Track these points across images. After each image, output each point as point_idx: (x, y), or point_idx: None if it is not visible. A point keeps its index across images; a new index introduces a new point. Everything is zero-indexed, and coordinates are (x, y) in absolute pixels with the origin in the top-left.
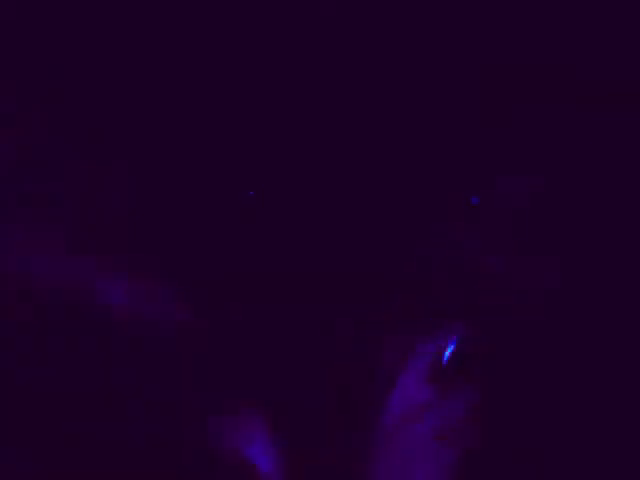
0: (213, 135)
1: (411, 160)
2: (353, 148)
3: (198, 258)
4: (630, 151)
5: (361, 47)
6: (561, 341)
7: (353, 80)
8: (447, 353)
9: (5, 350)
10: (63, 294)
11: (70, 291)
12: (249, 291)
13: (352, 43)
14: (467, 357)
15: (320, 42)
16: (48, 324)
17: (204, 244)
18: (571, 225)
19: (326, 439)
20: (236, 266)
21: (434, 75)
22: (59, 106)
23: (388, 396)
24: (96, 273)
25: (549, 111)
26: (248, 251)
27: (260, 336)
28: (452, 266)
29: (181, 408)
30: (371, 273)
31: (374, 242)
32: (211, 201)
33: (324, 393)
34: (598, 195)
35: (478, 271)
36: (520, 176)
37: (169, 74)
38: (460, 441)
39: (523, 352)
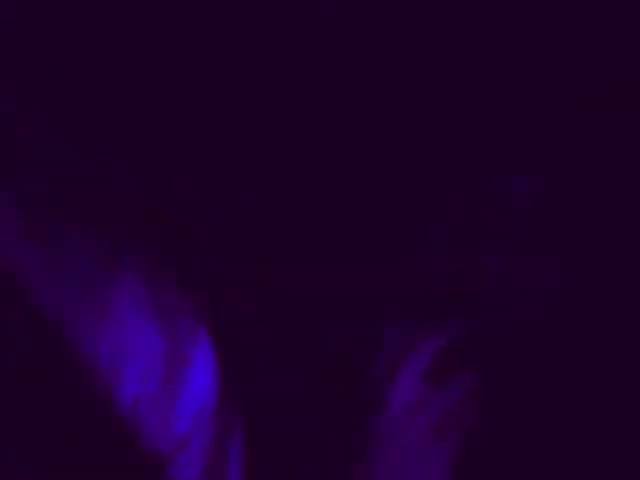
0: (213, 135)
1: (411, 159)
2: (353, 148)
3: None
4: (630, 151)
5: (361, 47)
6: (561, 340)
7: (353, 79)
8: (446, 350)
9: None
10: None
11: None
12: (246, 288)
13: (352, 43)
14: (465, 355)
15: (320, 42)
16: None
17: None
18: (571, 225)
19: (324, 439)
20: (236, 261)
21: (434, 75)
22: (59, 106)
23: (386, 394)
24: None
25: (549, 111)
26: (248, 248)
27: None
28: (451, 266)
29: None
30: (371, 271)
31: (374, 241)
32: (211, 201)
33: (321, 391)
34: (598, 195)
35: (478, 271)
36: (520, 176)
37: (169, 74)
38: (458, 437)
39: (522, 350)
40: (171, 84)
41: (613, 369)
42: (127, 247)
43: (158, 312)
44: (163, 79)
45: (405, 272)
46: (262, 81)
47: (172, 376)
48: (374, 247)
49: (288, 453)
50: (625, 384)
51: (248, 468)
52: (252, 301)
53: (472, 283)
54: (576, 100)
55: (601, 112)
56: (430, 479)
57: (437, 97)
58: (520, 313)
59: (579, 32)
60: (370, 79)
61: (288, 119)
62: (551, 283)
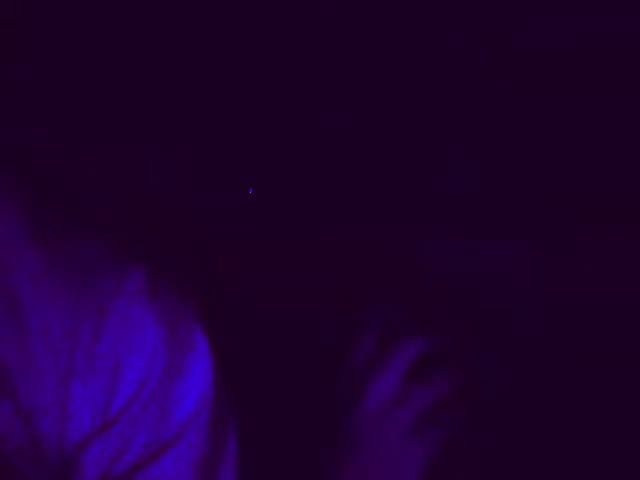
0: (213, 135)
1: (411, 157)
2: (352, 146)
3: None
4: (630, 149)
5: (360, 43)
6: (556, 339)
7: (351, 76)
8: (429, 348)
9: None
10: None
11: None
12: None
13: (350, 37)
14: (449, 353)
15: (319, 38)
16: None
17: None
18: (571, 225)
19: (308, 436)
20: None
21: (434, 74)
22: (60, 106)
23: (368, 388)
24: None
25: (549, 110)
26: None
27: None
28: (440, 262)
29: None
30: (353, 266)
31: (369, 236)
32: (209, 202)
33: (306, 388)
34: (598, 194)
35: (471, 269)
36: (520, 175)
37: (169, 74)
38: (438, 435)
39: (507, 346)
40: (171, 84)
41: (611, 367)
42: (126, 249)
43: (157, 313)
44: (163, 79)
45: (388, 267)
46: (260, 76)
47: (169, 377)
48: (368, 242)
49: (278, 452)
50: (622, 379)
51: (241, 469)
52: (244, 297)
53: (462, 279)
54: (576, 98)
55: (601, 108)
56: (407, 474)
57: (437, 96)
58: (510, 310)
59: (578, 33)
60: (369, 77)
61: (283, 114)
62: (551, 282)
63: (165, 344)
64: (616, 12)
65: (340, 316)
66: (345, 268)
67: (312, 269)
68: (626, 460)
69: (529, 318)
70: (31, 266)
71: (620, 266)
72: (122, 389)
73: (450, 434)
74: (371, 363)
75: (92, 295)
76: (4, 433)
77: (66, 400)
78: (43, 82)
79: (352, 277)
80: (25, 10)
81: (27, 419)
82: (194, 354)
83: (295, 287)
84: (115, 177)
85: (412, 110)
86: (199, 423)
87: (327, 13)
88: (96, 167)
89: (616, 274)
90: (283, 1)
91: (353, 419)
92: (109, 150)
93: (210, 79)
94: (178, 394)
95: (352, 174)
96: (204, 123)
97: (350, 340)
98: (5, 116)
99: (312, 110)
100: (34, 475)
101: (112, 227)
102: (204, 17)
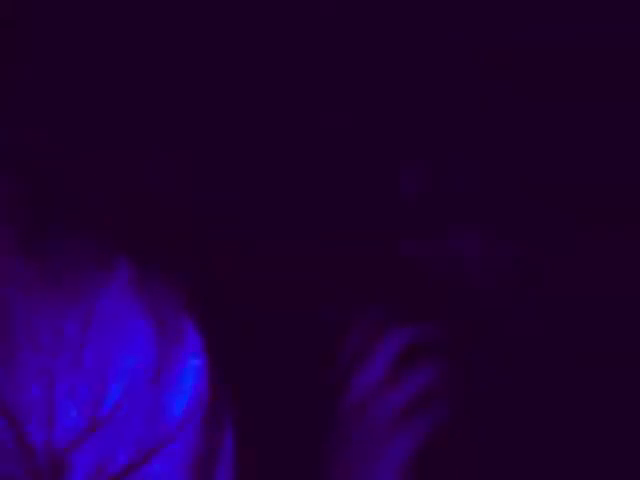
0: (212, 135)
1: (410, 157)
2: (352, 146)
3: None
4: (630, 149)
5: (360, 43)
6: (555, 339)
7: (351, 76)
8: (418, 337)
9: None
10: None
11: None
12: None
13: (348, 36)
14: (438, 342)
15: (319, 38)
16: None
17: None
18: (571, 225)
19: (299, 429)
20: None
21: (434, 74)
22: (60, 106)
23: (356, 376)
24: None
25: (549, 110)
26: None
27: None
28: (434, 256)
29: None
30: (339, 259)
31: (369, 236)
32: (210, 202)
33: (295, 380)
34: (598, 194)
35: (471, 269)
36: (520, 175)
37: (169, 74)
38: (425, 423)
39: (507, 345)
40: (171, 84)
41: (612, 366)
42: (114, 245)
43: (149, 312)
44: (163, 79)
45: (387, 267)
46: (259, 77)
47: (160, 376)
48: (363, 239)
49: (276, 452)
50: (620, 376)
51: (238, 469)
52: (237, 295)
53: (453, 274)
54: (576, 98)
55: (600, 108)
56: (392, 465)
57: (436, 96)
58: (505, 303)
59: (579, 34)
60: (368, 76)
61: (277, 112)
62: (550, 282)
63: (155, 342)
64: (616, 12)
65: (339, 316)
66: (345, 268)
67: (311, 269)
68: (626, 460)
69: (529, 318)
70: (22, 275)
71: (620, 266)
72: (112, 388)
73: (438, 424)
74: (356, 357)
75: (79, 295)
76: None
77: (53, 401)
78: (43, 82)
79: (351, 277)
80: (25, 10)
81: (13, 420)
82: (187, 353)
83: (294, 287)
84: (115, 177)
85: (412, 110)
86: (194, 422)
87: (327, 13)
88: (96, 167)
89: (616, 274)
90: (283, 1)
91: (337, 415)
92: (109, 150)
93: (210, 79)
94: (171, 393)
95: (352, 174)
96: (204, 123)
97: (341, 338)
98: (5, 116)
99: (312, 110)
100: (24, 476)
101: (111, 227)
102: (204, 17)
